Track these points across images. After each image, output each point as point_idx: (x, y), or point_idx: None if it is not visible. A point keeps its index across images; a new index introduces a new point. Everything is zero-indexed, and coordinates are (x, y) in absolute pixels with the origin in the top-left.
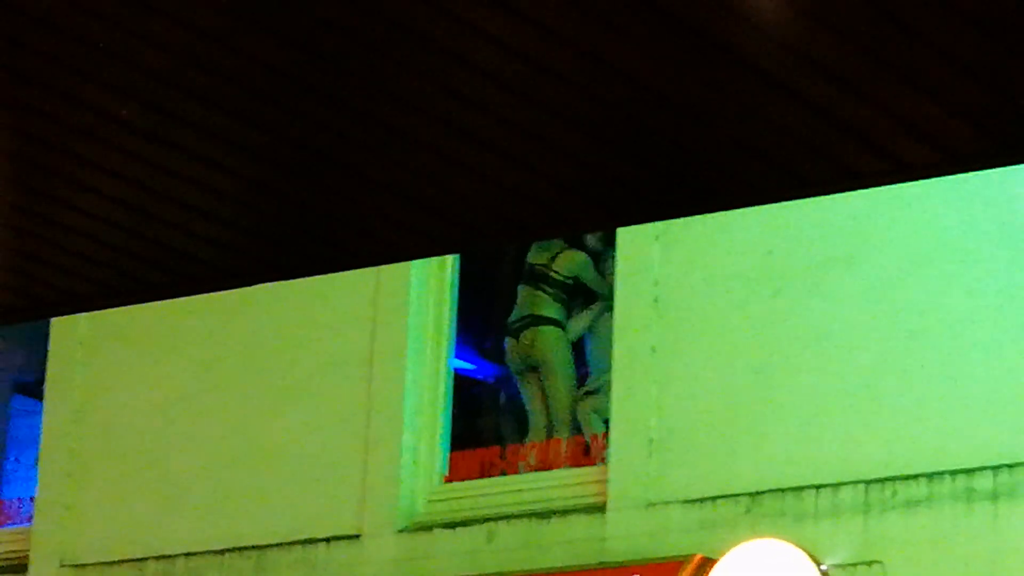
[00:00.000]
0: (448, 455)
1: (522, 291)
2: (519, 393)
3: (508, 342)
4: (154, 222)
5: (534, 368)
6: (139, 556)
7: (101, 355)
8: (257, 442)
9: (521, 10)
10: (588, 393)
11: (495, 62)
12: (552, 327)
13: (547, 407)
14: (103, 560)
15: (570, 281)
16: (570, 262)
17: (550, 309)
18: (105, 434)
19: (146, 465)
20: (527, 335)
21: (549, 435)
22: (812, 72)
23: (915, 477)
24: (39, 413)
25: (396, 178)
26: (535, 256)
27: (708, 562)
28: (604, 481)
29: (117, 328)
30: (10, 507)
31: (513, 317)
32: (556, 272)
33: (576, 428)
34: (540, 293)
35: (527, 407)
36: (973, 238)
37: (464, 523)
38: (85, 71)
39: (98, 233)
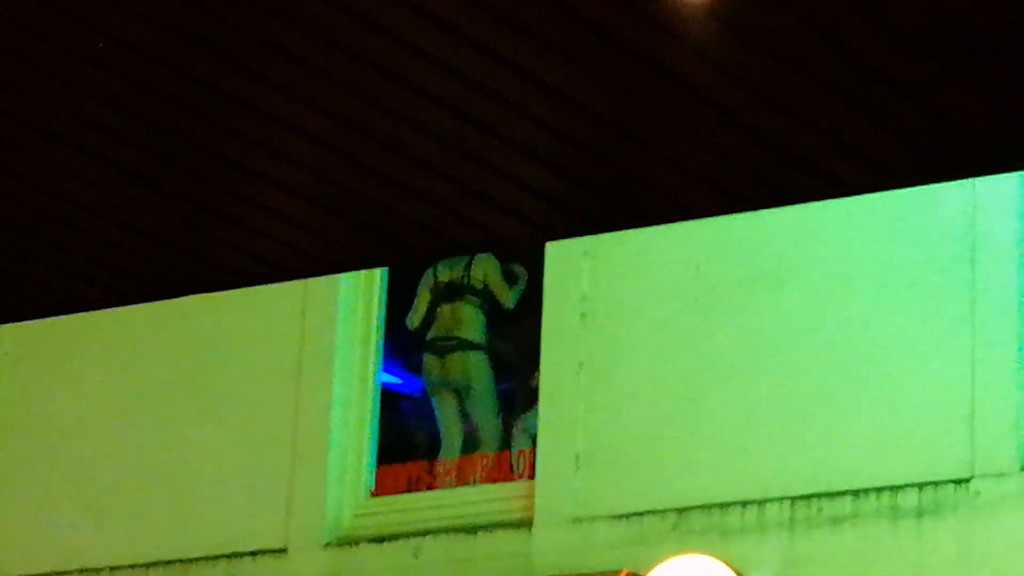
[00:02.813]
0: (375, 469)
1: (442, 310)
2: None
3: (428, 359)
4: (80, 234)
5: (452, 387)
6: (63, 569)
7: (25, 368)
8: (182, 455)
9: (455, 27)
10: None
11: (425, 76)
12: (478, 352)
13: (464, 427)
14: (26, 573)
15: (483, 284)
16: (482, 267)
17: (475, 331)
18: (29, 447)
19: (70, 478)
20: (454, 358)
21: (472, 449)
22: (742, 89)
23: (840, 494)
24: None
25: (323, 191)
26: (446, 272)
27: None
28: (531, 496)
29: (42, 340)
30: None
31: (436, 335)
32: (474, 280)
33: (503, 446)
34: (463, 308)
35: (440, 426)
36: (901, 257)
37: (391, 538)
38: (29, 88)
39: (26, 245)
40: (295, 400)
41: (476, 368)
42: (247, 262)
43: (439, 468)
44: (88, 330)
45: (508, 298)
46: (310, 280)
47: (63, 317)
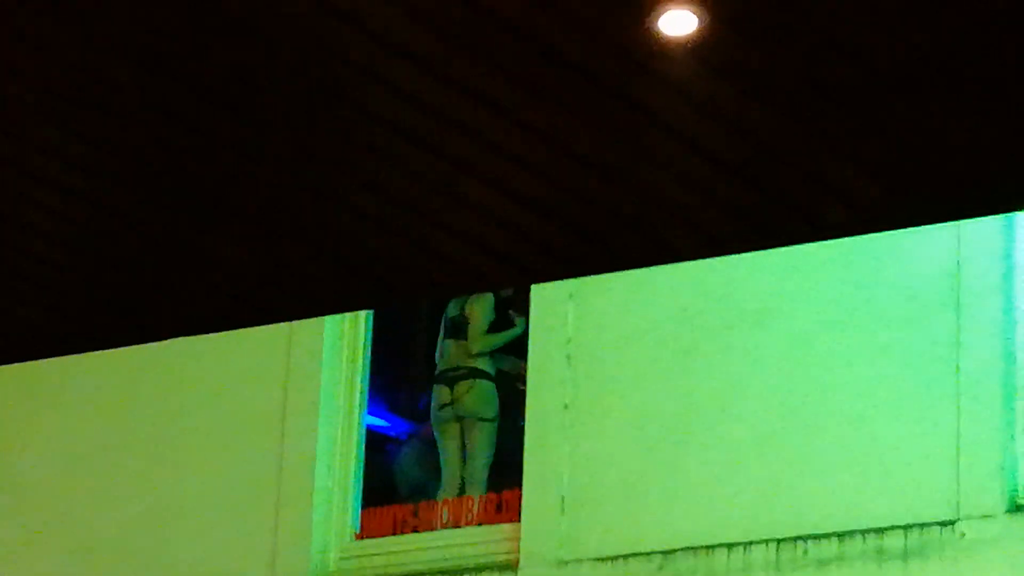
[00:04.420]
0: (360, 512)
1: (447, 345)
2: (433, 450)
3: (438, 389)
4: (65, 276)
5: (458, 419)
6: None
7: (8, 410)
8: (167, 498)
9: (434, 66)
10: None
11: (407, 117)
12: (488, 382)
13: (463, 462)
14: None
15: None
16: (472, 305)
17: (484, 363)
18: (13, 490)
19: (55, 521)
20: (463, 385)
21: (461, 491)
22: (727, 131)
23: (826, 536)
24: None
25: (309, 234)
26: (452, 309)
27: None
28: (516, 539)
29: (26, 383)
30: None
31: (444, 367)
32: (462, 318)
33: (491, 486)
34: (465, 345)
35: (442, 460)
36: (885, 298)
37: None
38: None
39: (8, 287)
40: (280, 443)
41: (485, 397)
42: (234, 304)
43: (424, 511)
44: (72, 373)
45: (478, 344)
46: (295, 323)
47: (47, 360)
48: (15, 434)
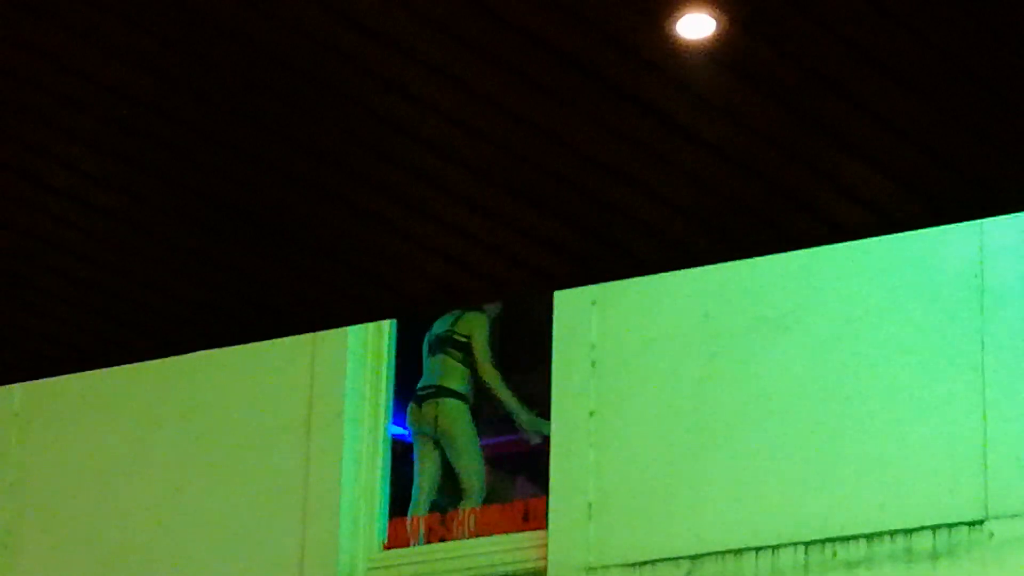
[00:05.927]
0: (387, 521)
1: (431, 361)
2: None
3: (410, 408)
4: (88, 290)
5: (428, 436)
6: None
7: (36, 426)
8: (194, 511)
9: (456, 76)
10: None
11: (430, 127)
12: (456, 400)
13: (441, 477)
14: None
15: (466, 339)
16: (468, 322)
17: (455, 381)
18: (41, 506)
19: (83, 536)
20: (429, 405)
21: (432, 509)
22: (746, 134)
23: (854, 538)
24: None
25: (332, 244)
26: (439, 326)
27: None
28: (544, 546)
29: (52, 398)
30: None
31: (421, 385)
32: (458, 334)
33: (489, 498)
34: (448, 360)
35: (416, 475)
36: (909, 299)
37: None
38: (19, 136)
39: (34, 302)
40: (306, 454)
41: (453, 416)
42: (259, 315)
43: (451, 519)
44: (98, 388)
45: (485, 357)
46: (319, 334)
47: (72, 375)
48: (41, 448)
